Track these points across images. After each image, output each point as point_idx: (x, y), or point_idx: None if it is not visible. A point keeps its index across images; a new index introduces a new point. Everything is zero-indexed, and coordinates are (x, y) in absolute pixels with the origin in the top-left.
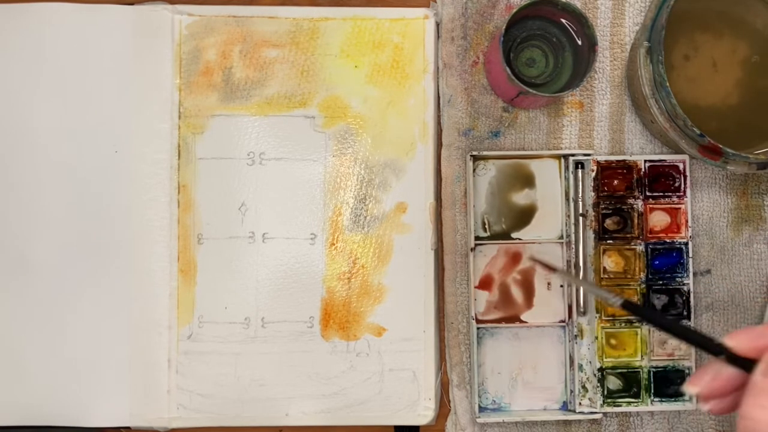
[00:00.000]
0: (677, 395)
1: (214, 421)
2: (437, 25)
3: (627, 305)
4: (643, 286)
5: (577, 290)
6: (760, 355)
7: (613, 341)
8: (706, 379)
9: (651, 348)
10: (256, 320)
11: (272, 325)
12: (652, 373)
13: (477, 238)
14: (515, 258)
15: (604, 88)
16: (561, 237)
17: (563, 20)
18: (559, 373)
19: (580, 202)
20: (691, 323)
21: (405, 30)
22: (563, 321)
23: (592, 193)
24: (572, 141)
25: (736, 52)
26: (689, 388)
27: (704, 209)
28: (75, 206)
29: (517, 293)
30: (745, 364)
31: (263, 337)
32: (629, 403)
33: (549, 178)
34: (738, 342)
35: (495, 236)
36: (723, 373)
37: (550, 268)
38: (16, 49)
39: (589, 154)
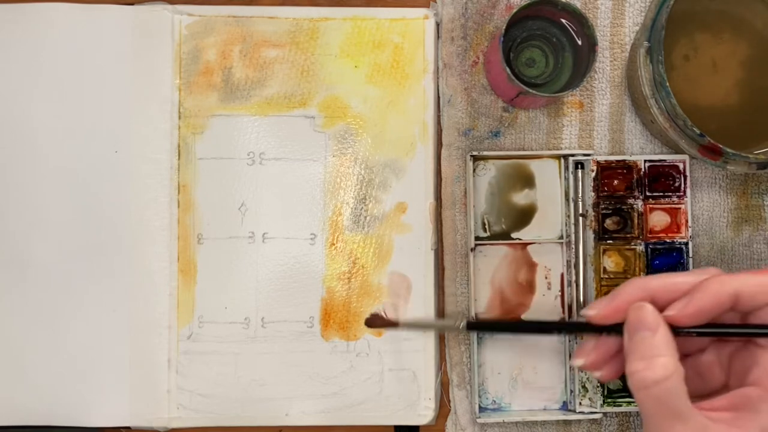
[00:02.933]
0: None
1: (214, 421)
2: (437, 25)
3: (471, 325)
4: None
5: (577, 290)
6: (620, 317)
7: None
8: (587, 349)
9: None
10: (256, 320)
11: (272, 325)
12: None
13: (477, 238)
14: (518, 260)
15: (604, 88)
16: (561, 237)
17: (563, 20)
18: (559, 373)
19: (580, 202)
20: None
21: (405, 30)
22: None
23: (592, 193)
24: (572, 141)
25: (736, 52)
26: (575, 361)
27: (704, 209)
28: (75, 206)
29: (517, 293)
30: (616, 329)
31: (263, 337)
32: (629, 403)
33: (549, 178)
34: (596, 310)
35: (495, 236)
36: (601, 342)
37: (391, 324)
38: (15, 49)
39: (589, 154)
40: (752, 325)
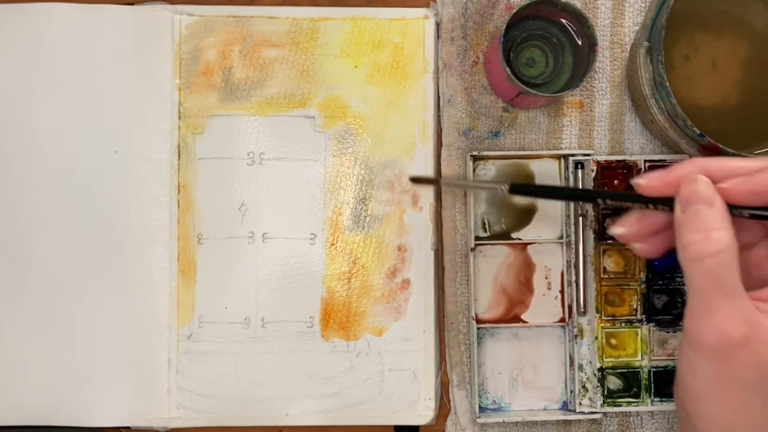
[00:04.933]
0: None
1: (213, 421)
2: (437, 25)
3: (514, 188)
4: (644, 286)
5: (577, 290)
6: (671, 191)
7: (613, 341)
8: (632, 220)
9: (651, 348)
10: (256, 320)
11: (272, 325)
12: (652, 373)
13: (477, 238)
14: (518, 260)
15: (604, 88)
16: (561, 237)
17: (563, 20)
18: (559, 373)
19: (580, 202)
20: None
21: (405, 30)
22: (563, 321)
23: None
24: (572, 141)
25: (736, 52)
26: (615, 228)
27: None
28: (75, 206)
29: (517, 293)
30: (665, 202)
31: (263, 337)
32: (629, 403)
33: (549, 178)
34: (648, 180)
35: (495, 236)
36: (647, 214)
37: (431, 181)
38: (15, 49)
39: (589, 154)
40: None
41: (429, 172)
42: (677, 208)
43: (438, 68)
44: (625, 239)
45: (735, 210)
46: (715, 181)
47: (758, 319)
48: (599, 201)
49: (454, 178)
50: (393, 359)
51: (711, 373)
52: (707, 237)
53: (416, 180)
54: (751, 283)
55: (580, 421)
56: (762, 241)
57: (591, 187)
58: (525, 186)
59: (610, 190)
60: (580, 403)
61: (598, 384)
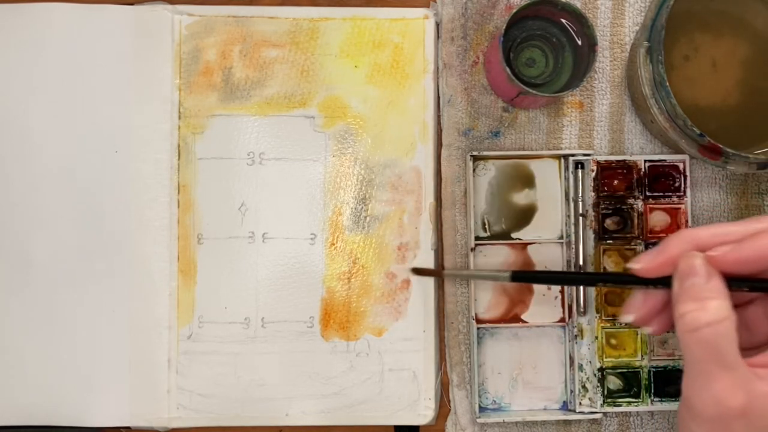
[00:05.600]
0: (677, 395)
1: (213, 421)
2: (437, 25)
3: (516, 276)
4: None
5: (577, 290)
6: (667, 270)
7: (613, 341)
8: (637, 305)
9: (651, 348)
10: (256, 320)
11: (272, 325)
12: (652, 373)
13: (477, 238)
14: (518, 260)
15: (604, 88)
16: (561, 237)
17: (563, 20)
18: (559, 373)
19: (580, 202)
20: None
21: (405, 30)
22: (563, 321)
23: (592, 193)
24: (572, 141)
25: (736, 52)
26: (625, 316)
27: (704, 209)
28: (75, 206)
29: (517, 293)
30: (664, 282)
31: (263, 337)
32: (629, 403)
33: (549, 178)
34: (642, 264)
35: (495, 236)
36: (649, 295)
37: (433, 273)
38: (15, 49)
39: (589, 154)
40: None
41: (429, 171)
42: (675, 283)
43: (438, 68)
44: (635, 324)
45: (735, 284)
46: (705, 250)
47: (757, 388)
48: (600, 285)
49: (457, 269)
50: (393, 359)
51: None
52: (703, 306)
53: (419, 271)
54: (750, 341)
55: (580, 421)
56: (759, 299)
57: (592, 196)
58: (526, 273)
59: (611, 273)
60: (580, 403)
61: (598, 384)
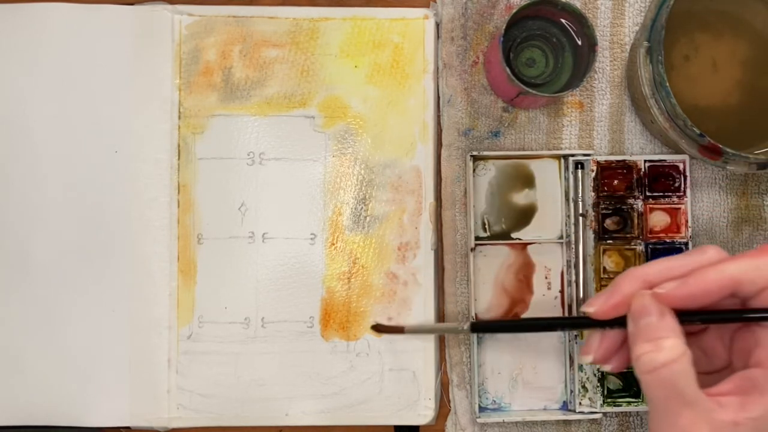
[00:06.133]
0: None
1: (213, 421)
2: (437, 25)
3: (475, 327)
4: None
5: (577, 290)
6: (621, 311)
7: None
8: (594, 345)
9: None
10: (256, 320)
11: (272, 325)
12: None
13: (477, 238)
14: (518, 260)
15: (604, 88)
16: (561, 237)
17: (563, 20)
18: (559, 373)
19: (580, 202)
20: None
21: (405, 30)
22: None
23: (592, 193)
24: (572, 141)
25: (736, 52)
26: (583, 358)
27: (704, 209)
28: (75, 206)
29: (517, 293)
30: (618, 321)
31: (263, 337)
32: (629, 403)
33: (549, 178)
34: (596, 306)
35: (495, 236)
36: (606, 336)
37: (396, 330)
38: (15, 49)
39: (589, 154)
40: (752, 309)
41: (429, 171)
42: (630, 324)
43: (438, 68)
44: (595, 363)
45: (686, 318)
46: (656, 287)
47: (718, 418)
48: (558, 330)
49: (417, 325)
50: (393, 359)
51: None
52: (658, 346)
53: (379, 328)
54: (709, 366)
55: (580, 421)
56: (712, 327)
57: (592, 196)
58: (484, 323)
59: (567, 318)
60: (580, 403)
61: (598, 384)
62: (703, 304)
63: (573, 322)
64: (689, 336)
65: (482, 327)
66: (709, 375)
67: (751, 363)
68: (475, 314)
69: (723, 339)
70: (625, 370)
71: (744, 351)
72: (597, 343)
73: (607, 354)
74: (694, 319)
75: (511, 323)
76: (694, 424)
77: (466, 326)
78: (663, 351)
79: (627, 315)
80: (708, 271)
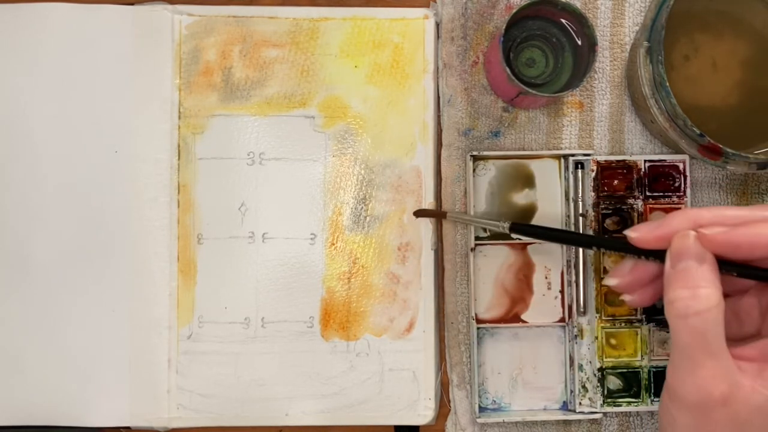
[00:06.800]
0: None
1: (213, 421)
2: (437, 25)
3: (514, 228)
4: None
5: (577, 290)
6: (663, 244)
7: (613, 341)
8: (624, 271)
9: (651, 348)
10: (256, 320)
11: (272, 325)
12: (652, 373)
13: (477, 238)
14: (518, 260)
15: (604, 88)
16: None
17: (563, 20)
18: (559, 373)
19: (580, 202)
20: None
21: (405, 30)
22: (563, 321)
23: (592, 193)
24: (572, 141)
25: (736, 52)
26: (609, 280)
27: None
28: (75, 206)
29: (517, 293)
30: (657, 254)
31: (263, 337)
32: (629, 403)
33: (549, 178)
34: (640, 233)
35: (495, 236)
36: (639, 265)
37: (436, 215)
38: (15, 49)
39: (589, 154)
40: None
41: (429, 171)
42: (668, 262)
43: (438, 68)
44: (618, 289)
45: (724, 268)
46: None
47: (739, 380)
48: (595, 248)
49: (459, 213)
50: (393, 359)
51: (690, 428)
52: (695, 294)
53: (421, 213)
54: (740, 331)
55: (580, 421)
56: (752, 290)
57: (592, 196)
58: (524, 225)
59: (607, 238)
60: (580, 403)
61: (598, 384)
62: (746, 257)
63: (611, 243)
64: (726, 297)
65: (522, 229)
66: (737, 341)
67: None
68: (475, 314)
69: (761, 304)
70: (645, 306)
71: None
72: (628, 269)
73: (634, 284)
74: (732, 269)
75: (550, 231)
76: (714, 377)
77: (507, 225)
78: (698, 300)
79: (667, 251)
80: (759, 225)
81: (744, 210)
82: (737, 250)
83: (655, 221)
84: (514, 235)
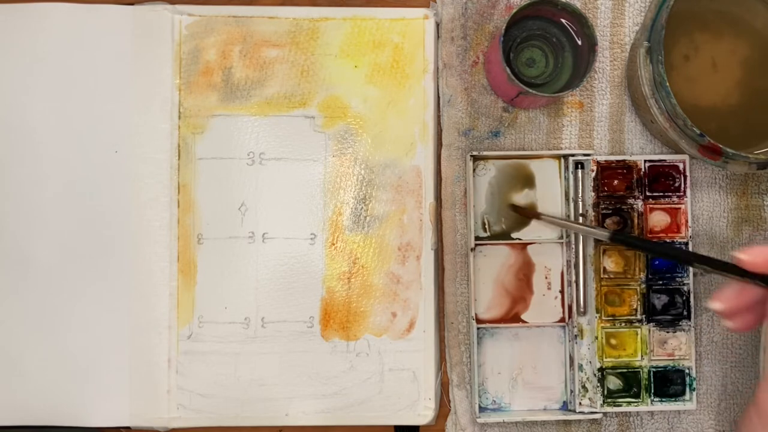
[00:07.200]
0: (677, 395)
1: (214, 421)
2: (437, 25)
3: (616, 237)
4: (644, 286)
5: (577, 290)
6: None
7: (613, 341)
8: (730, 295)
9: (651, 348)
10: (256, 320)
11: (272, 325)
12: (652, 373)
13: (477, 238)
14: (518, 260)
15: (604, 88)
16: (561, 237)
17: (563, 20)
18: (559, 373)
19: (580, 202)
20: (692, 323)
21: (405, 30)
22: (563, 321)
23: (592, 193)
24: (572, 141)
25: (736, 52)
26: (714, 304)
27: (704, 209)
28: (75, 206)
29: (517, 293)
30: (764, 278)
31: (263, 337)
32: (629, 403)
33: (549, 178)
34: (752, 256)
35: (495, 236)
36: (746, 289)
37: (535, 216)
38: (15, 49)
39: (589, 154)
40: None
41: (429, 171)
42: None
43: (438, 68)
44: (723, 315)
45: None
46: None
47: None
48: (696, 267)
49: (553, 217)
50: (393, 359)
51: None
52: None
53: (517, 209)
54: None
55: (580, 421)
56: None
57: (592, 196)
58: (627, 237)
59: (715, 259)
60: (580, 403)
61: (598, 384)
62: None
63: (718, 263)
64: None
65: (623, 240)
66: None
67: None
68: (475, 314)
69: None
70: (744, 331)
71: None
72: (734, 294)
73: (737, 309)
74: None
75: (653, 244)
76: None
77: (608, 234)
78: None
79: None
80: None
81: None
82: None
83: (767, 243)
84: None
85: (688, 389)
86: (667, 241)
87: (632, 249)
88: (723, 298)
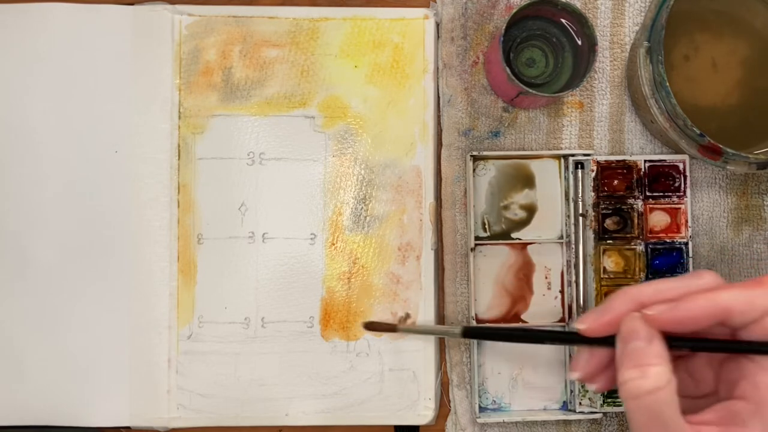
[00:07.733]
0: None
1: (214, 421)
2: (437, 25)
3: (467, 333)
4: None
5: (577, 290)
6: (612, 330)
7: None
8: (582, 362)
9: None
10: (256, 320)
11: (272, 325)
12: None
13: (477, 238)
14: (518, 260)
15: (604, 88)
16: (561, 237)
17: (563, 20)
18: (559, 373)
19: (580, 202)
20: None
21: (405, 30)
22: (563, 321)
23: (592, 193)
24: (572, 141)
25: (736, 52)
26: (572, 374)
27: (704, 209)
28: (75, 206)
29: (517, 293)
30: (608, 340)
31: (263, 337)
32: None
33: (549, 178)
34: (587, 324)
35: (495, 236)
36: (594, 353)
37: (390, 329)
38: (15, 49)
39: (589, 154)
40: (740, 341)
41: (429, 171)
42: (618, 344)
43: (438, 68)
44: (582, 381)
45: (675, 344)
46: (646, 308)
47: None
48: (547, 343)
49: (409, 326)
50: (393, 359)
51: None
52: (644, 374)
53: (371, 326)
54: (696, 390)
55: (580, 421)
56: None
57: (592, 196)
58: (476, 329)
59: (558, 332)
60: (580, 403)
61: None
62: (692, 329)
63: (563, 337)
64: (678, 359)
65: (474, 333)
66: (695, 399)
67: (736, 394)
68: (476, 314)
69: (712, 365)
70: (606, 390)
71: (730, 381)
72: (585, 360)
73: (595, 372)
74: (683, 345)
75: (502, 332)
76: None
77: (458, 330)
78: (648, 378)
79: (616, 336)
80: (699, 298)
81: (680, 281)
82: (682, 325)
83: (599, 308)
84: (513, 235)
85: None
86: (667, 241)
87: (485, 339)
88: (578, 367)
